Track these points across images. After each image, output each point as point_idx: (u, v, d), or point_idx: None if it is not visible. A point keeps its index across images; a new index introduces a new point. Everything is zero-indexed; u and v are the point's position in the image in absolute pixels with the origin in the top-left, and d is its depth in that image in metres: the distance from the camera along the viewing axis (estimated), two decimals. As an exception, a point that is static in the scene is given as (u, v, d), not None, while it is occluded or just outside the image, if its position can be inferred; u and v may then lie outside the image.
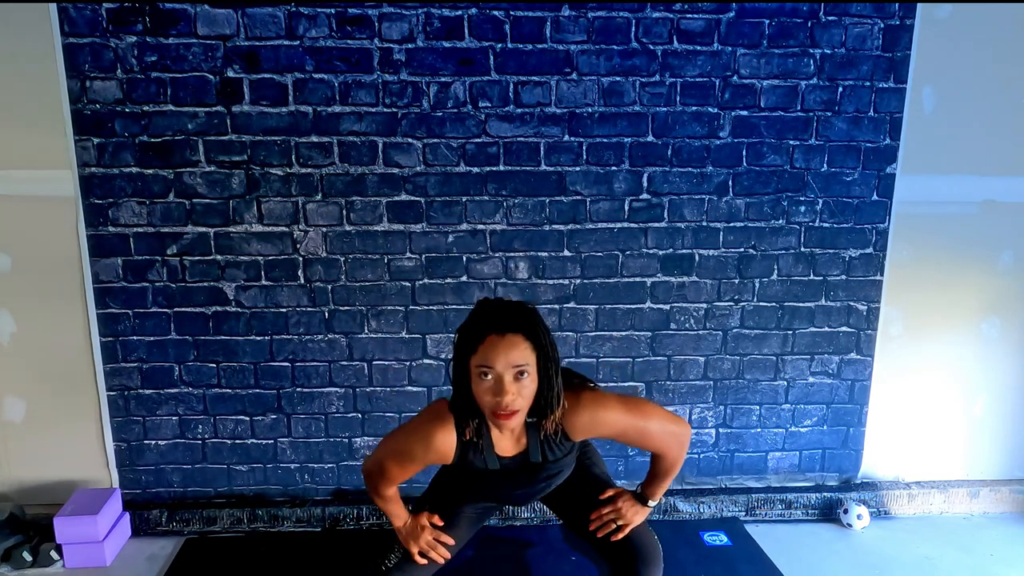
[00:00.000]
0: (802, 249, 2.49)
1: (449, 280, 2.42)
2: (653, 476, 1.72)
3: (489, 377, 1.39)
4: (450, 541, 1.72)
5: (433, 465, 1.64)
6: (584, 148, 2.36)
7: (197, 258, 2.35)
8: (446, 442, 1.52)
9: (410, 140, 2.32)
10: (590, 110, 2.34)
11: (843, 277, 2.52)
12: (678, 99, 2.35)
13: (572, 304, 2.47)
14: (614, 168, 2.39)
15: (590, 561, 2.00)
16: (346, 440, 2.52)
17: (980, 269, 2.56)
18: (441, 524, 1.73)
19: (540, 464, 1.57)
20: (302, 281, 2.39)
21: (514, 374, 1.38)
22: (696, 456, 2.63)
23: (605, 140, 2.36)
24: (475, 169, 2.35)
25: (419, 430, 1.55)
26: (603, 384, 2.52)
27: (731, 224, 2.45)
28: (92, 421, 2.44)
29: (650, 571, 1.65)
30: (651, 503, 1.73)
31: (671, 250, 2.46)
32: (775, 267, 2.49)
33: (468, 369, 1.42)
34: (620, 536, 1.68)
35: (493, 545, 2.37)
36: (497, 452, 1.56)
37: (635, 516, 1.71)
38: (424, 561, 1.70)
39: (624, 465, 2.61)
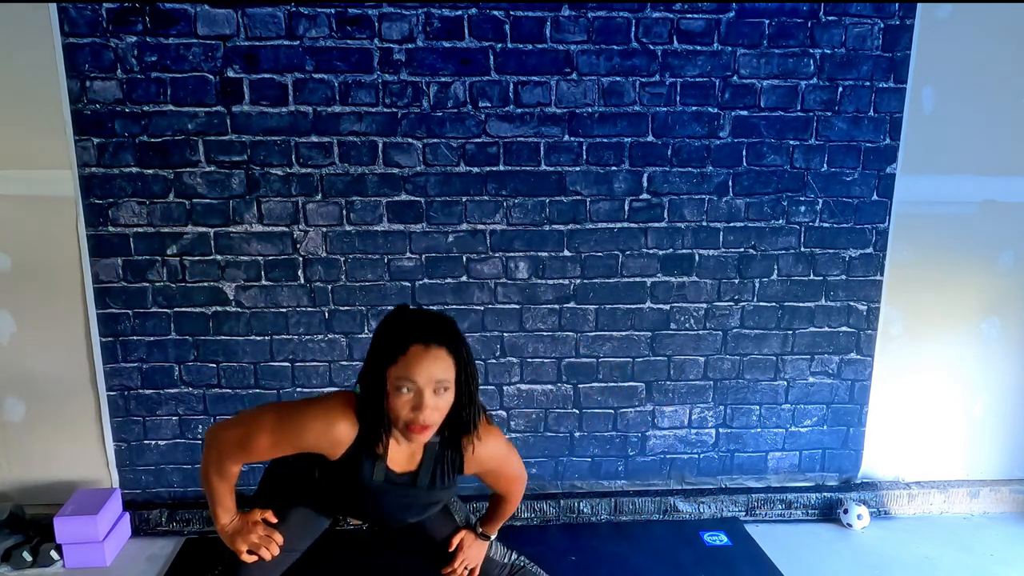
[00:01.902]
0: (802, 249, 2.49)
1: (449, 280, 2.42)
2: (495, 515, 1.73)
3: (408, 391, 1.32)
4: (280, 540, 1.55)
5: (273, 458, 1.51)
6: (584, 148, 2.36)
7: (197, 258, 2.35)
8: (346, 436, 1.40)
9: (410, 140, 2.32)
10: (590, 110, 2.34)
11: (843, 277, 2.52)
12: (678, 99, 2.35)
13: (572, 304, 2.47)
14: (614, 168, 2.39)
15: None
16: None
17: (980, 269, 2.56)
18: (275, 522, 1.57)
19: (424, 489, 1.50)
20: (302, 281, 2.39)
21: (434, 389, 1.33)
22: (696, 456, 2.63)
23: (605, 140, 2.36)
24: (475, 169, 2.35)
25: (323, 413, 1.40)
26: (603, 384, 2.53)
27: (731, 224, 2.45)
28: (92, 421, 2.44)
29: None
30: (492, 536, 1.76)
31: (671, 250, 2.46)
32: (775, 267, 2.50)
33: (384, 379, 1.34)
34: None
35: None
36: (388, 464, 1.46)
37: (479, 555, 1.74)
38: (253, 558, 1.53)
39: (624, 465, 2.61)
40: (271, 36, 2.22)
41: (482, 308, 2.45)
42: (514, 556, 1.78)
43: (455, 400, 1.38)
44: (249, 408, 1.69)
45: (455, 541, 1.70)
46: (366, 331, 2.43)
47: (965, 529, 2.56)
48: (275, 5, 2.20)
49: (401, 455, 1.47)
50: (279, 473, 1.66)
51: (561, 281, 2.46)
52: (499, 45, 2.27)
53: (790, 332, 2.55)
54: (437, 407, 1.34)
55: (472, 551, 1.72)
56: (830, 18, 2.33)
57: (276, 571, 1.60)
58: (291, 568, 1.63)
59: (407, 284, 2.41)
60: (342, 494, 1.51)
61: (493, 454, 1.52)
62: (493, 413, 2.52)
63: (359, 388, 1.43)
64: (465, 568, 1.71)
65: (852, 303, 2.54)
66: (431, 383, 1.32)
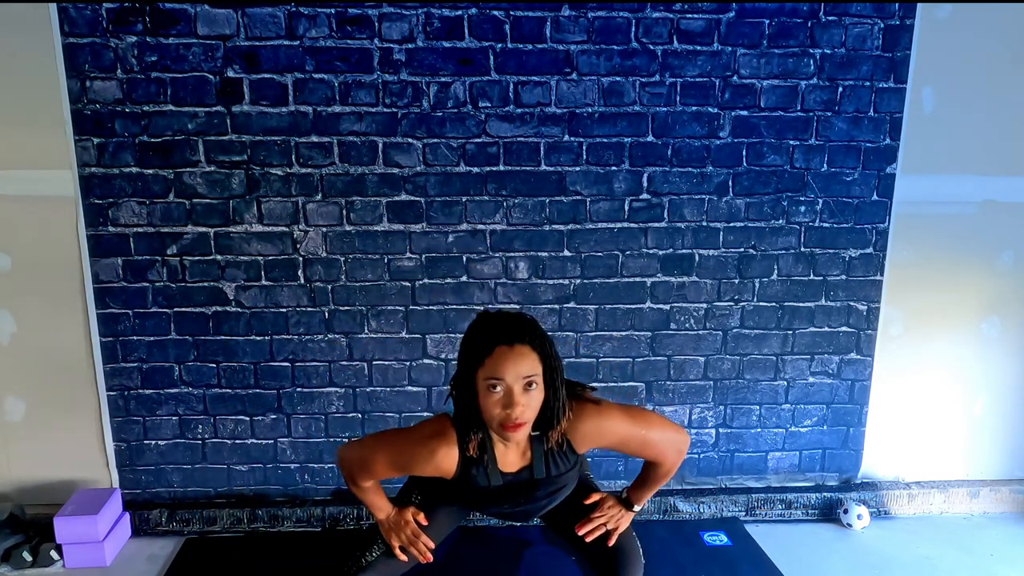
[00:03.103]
0: (802, 249, 2.49)
1: (449, 280, 2.42)
2: (644, 482, 1.71)
3: (499, 389, 1.38)
4: (431, 544, 1.67)
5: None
6: (584, 148, 2.36)
7: (197, 258, 2.35)
8: (449, 458, 1.50)
9: (410, 140, 2.32)
10: (590, 110, 2.34)
11: (843, 277, 2.52)
12: (678, 99, 2.35)
13: (572, 304, 2.47)
14: (614, 168, 2.39)
15: (574, 563, 1.96)
16: (346, 440, 2.52)
17: (980, 269, 2.56)
18: (426, 524, 1.68)
19: (544, 479, 1.56)
20: (302, 281, 2.39)
21: (523, 385, 1.38)
22: (696, 456, 2.63)
23: (605, 140, 2.36)
24: (475, 169, 2.35)
25: (422, 444, 1.51)
26: (603, 384, 2.53)
27: (731, 224, 2.45)
28: (92, 421, 2.44)
29: (633, 574, 1.66)
30: (636, 508, 1.72)
31: (671, 250, 2.46)
32: (775, 267, 2.50)
33: (475, 383, 1.41)
34: (611, 542, 1.67)
35: (493, 545, 2.37)
36: (501, 467, 1.53)
37: (622, 521, 1.70)
38: (405, 557, 1.66)
39: (624, 465, 2.61)
40: (271, 36, 2.22)
41: (482, 308, 2.45)
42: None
43: (545, 395, 1.44)
44: (373, 433, 1.76)
45: (594, 497, 1.71)
46: (366, 331, 2.44)
47: (965, 529, 2.56)
48: (275, 5, 2.20)
49: (513, 456, 1.54)
50: (417, 478, 1.75)
51: (561, 281, 2.46)
52: (499, 45, 2.27)
53: (790, 332, 2.55)
54: (528, 404, 1.40)
55: (612, 512, 1.69)
56: (830, 18, 2.33)
57: (405, 567, 1.70)
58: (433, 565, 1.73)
59: (407, 284, 2.41)
60: (472, 503, 1.63)
61: (598, 427, 1.52)
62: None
63: (452, 398, 1.51)
64: (603, 527, 1.67)
65: (852, 303, 2.54)
66: (519, 380, 1.38)
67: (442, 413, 1.58)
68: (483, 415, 1.43)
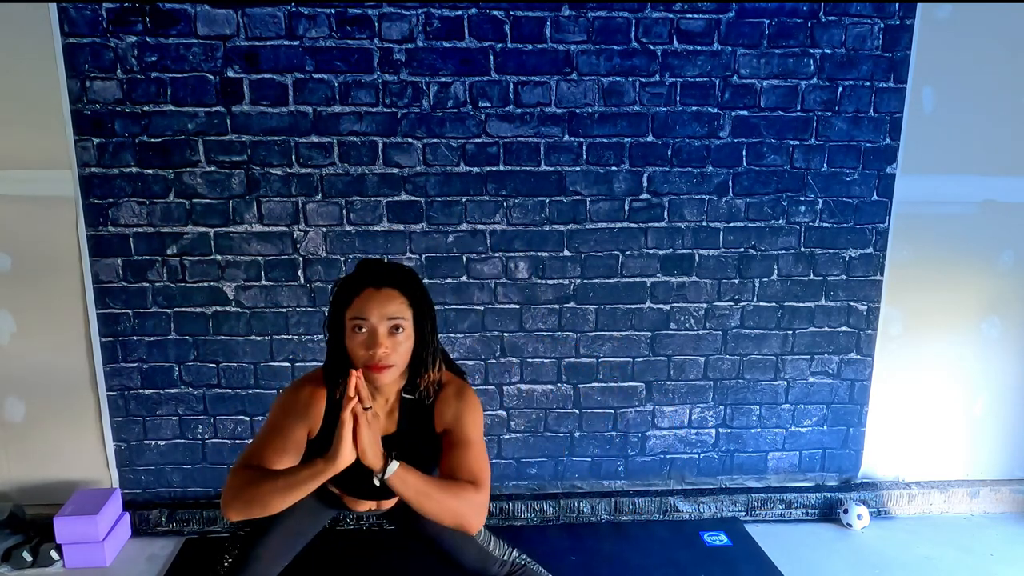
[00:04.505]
0: (802, 249, 2.49)
1: (449, 280, 2.42)
2: (427, 476, 1.38)
3: (363, 330, 1.37)
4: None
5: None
6: (584, 148, 2.36)
7: (197, 258, 2.35)
8: (316, 398, 1.44)
9: (410, 140, 2.32)
10: (590, 110, 2.34)
11: (843, 277, 2.52)
12: (678, 99, 2.35)
13: (572, 304, 2.47)
14: (614, 168, 2.39)
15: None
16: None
17: (980, 269, 2.56)
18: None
19: (399, 433, 1.49)
20: (302, 281, 2.39)
21: (389, 328, 1.37)
22: (696, 456, 2.63)
23: (605, 140, 2.36)
24: (475, 169, 2.35)
25: (292, 391, 1.47)
26: (603, 384, 2.53)
27: (731, 224, 2.45)
28: (92, 421, 2.44)
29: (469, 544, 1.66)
30: (387, 469, 1.29)
31: (671, 250, 2.46)
32: (775, 267, 2.49)
33: (343, 323, 1.39)
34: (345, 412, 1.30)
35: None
36: None
37: (368, 437, 1.29)
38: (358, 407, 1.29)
39: (624, 465, 2.61)
40: (271, 36, 2.22)
41: (482, 308, 2.45)
42: (515, 554, 1.75)
43: (415, 343, 1.41)
44: None
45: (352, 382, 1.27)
46: (366, 331, 2.43)
47: (965, 529, 2.56)
48: (275, 5, 2.20)
49: (380, 417, 1.46)
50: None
51: (561, 281, 2.46)
52: (499, 45, 2.27)
53: (790, 332, 2.55)
54: (395, 348, 1.38)
55: (365, 430, 1.27)
56: (830, 18, 2.33)
57: (286, 557, 1.62)
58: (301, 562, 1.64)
59: (407, 284, 2.41)
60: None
61: (455, 407, 1.48)
62: (494, 413, 2.52)
63: (326, 343, 1.46)
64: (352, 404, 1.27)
65: (852, 303, 2.54)
66: (384, 321, 1.36)
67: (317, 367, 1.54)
68: (351, 358, 1.38)
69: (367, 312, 1.36)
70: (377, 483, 1.31)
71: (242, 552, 1.56)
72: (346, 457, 1.26)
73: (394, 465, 1.30)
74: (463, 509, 1.36)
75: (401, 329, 1.39)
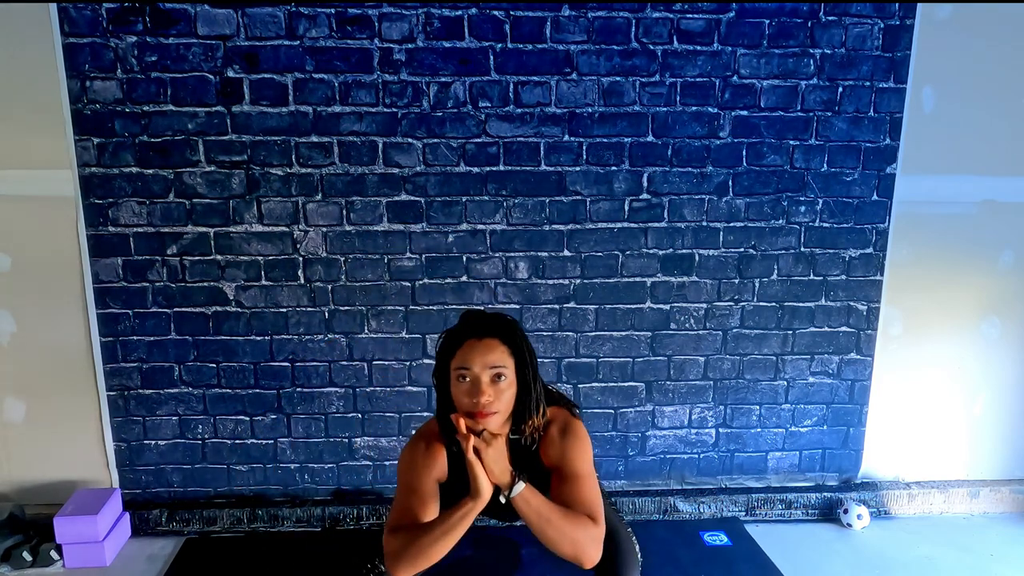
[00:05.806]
0: (802, 249, 2.49)
1: (449, 280, 2.42)
2: (546, 500, 1.45)
3: (467, 379, 1.43)
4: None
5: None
6: (584, 148, 2.36)
7: (197, 258, 2.35)
8: (433, 447, 1.55)
9: (410, 140, 2.32)
10: (590, 110, 2.34)
11: (843, 277, 2.52)
12: (678, 99, 2.35)
13: (572, 304, 2.47)
14: (614, 168, 2.39)
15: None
16: (346, 440, 2.52)
17: (980, 269, 2.56)
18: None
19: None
20: (302, 281, 2.39)
21: (491, 376, 1.42)
22: (696, 456, 2.63)
23: (605, 140, 2.36)
24: (475, 169, 2.35)
25: (408, 453, 1.57)
26: (603, 384, 2.53)
27: (731, 224, 2.45)
28: (92, 421, 2.44)
29: (629, 573, 1.64)
30: (513, 490, 1.39)
31: (671, 250, 2.46)
32: (775, 267, 2.50)
33: (448, 373, 1.47)
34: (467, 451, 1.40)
35: (493, 545, 2.37)
36: None
37: (492, 458, 1.40)
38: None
39: (624, 465, 2.61)
40: (271, 36, 2.22)
41: (482, 308, 2.45)
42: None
43: (518, 390, 1.47)
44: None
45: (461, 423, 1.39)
46: (366, 331, 2.43)
47: (965, 529, 2.56)
48: (275, 5, 2.20)
49: (498, 434, 1.50)
50: None
51: (561, 281, 2.46)
52: (499, 45, 2.27)
53: (790, 332, 2.55)
54: (497, 396, 1.43)
55: (487, 451, 1.38)
56: (830, 18, 2.33)
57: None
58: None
59: (407, 284, 2.41)
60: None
61: (560, 445, 1.53)
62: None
63: (435, 389, 1.55)
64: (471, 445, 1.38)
65: (852, 303, 2.54)
66: (485, 369, 1.42)
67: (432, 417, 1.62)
68: (456, 406, 1.45)
69: (470, 362, 1.43)
70: (503, 500, 1.40)
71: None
72: (486, 488, 1.38)
73: (520, 485, 1.39)
74: (582, 540, 1.41)
75: (503, 377, 1.44)
